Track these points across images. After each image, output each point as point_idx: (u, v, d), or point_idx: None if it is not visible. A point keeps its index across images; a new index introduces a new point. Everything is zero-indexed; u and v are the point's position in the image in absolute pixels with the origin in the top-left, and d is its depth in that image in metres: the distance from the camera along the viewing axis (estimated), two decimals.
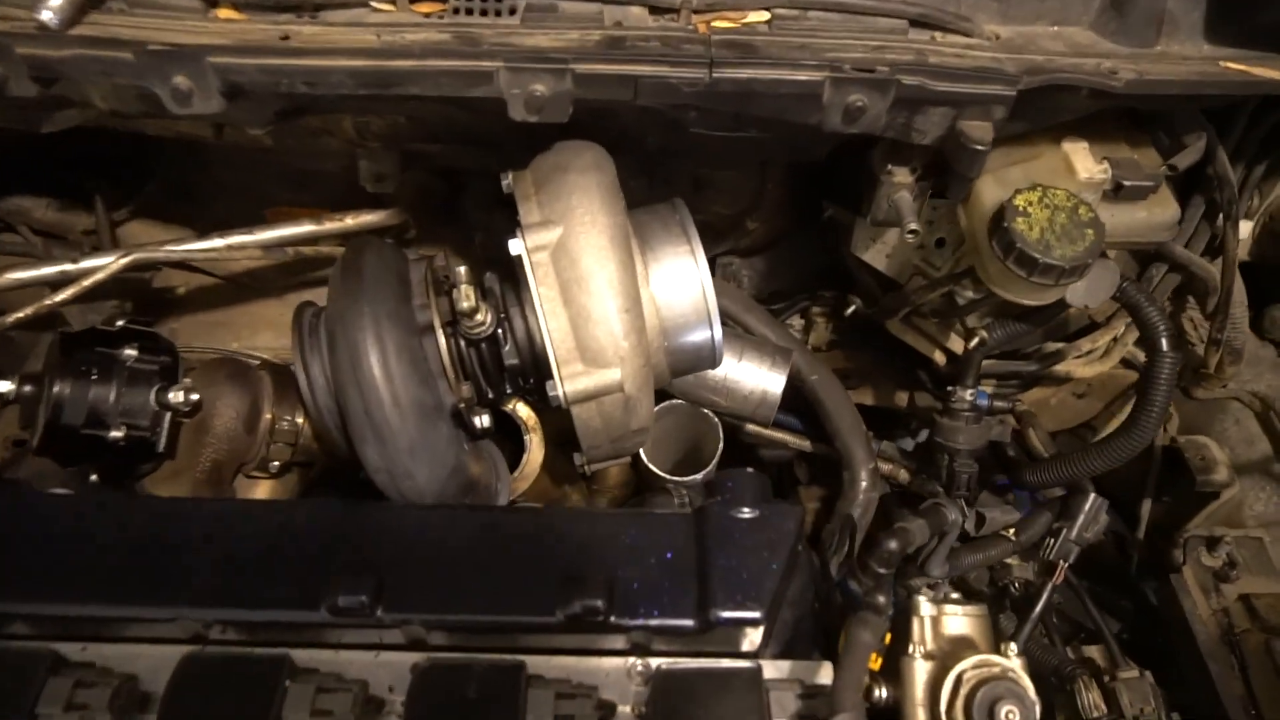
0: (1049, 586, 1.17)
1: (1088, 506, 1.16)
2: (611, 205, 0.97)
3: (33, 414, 1.03)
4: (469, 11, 0.96)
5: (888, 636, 0.86)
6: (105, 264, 1.19)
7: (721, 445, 1.36)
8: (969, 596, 1.37)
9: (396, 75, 0.89)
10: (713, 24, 0.95)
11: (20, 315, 1.13)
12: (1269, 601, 1.26)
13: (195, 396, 1.05)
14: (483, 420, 1.06)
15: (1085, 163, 1.04)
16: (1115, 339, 1.48)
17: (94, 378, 1.02)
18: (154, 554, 0.90)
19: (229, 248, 1.30)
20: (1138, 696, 1.09)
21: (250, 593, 0.87)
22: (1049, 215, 0.95)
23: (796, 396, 1.43)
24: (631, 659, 0.84)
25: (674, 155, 1.27)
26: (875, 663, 0.83)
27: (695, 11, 0.96)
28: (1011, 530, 1.17)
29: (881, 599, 0.81)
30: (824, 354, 1.62)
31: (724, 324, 1.43)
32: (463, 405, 1.03)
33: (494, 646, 0.85)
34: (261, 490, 1.21)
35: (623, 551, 0.86)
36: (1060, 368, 1.50)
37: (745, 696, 0.79)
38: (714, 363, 1.10)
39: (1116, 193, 1.03)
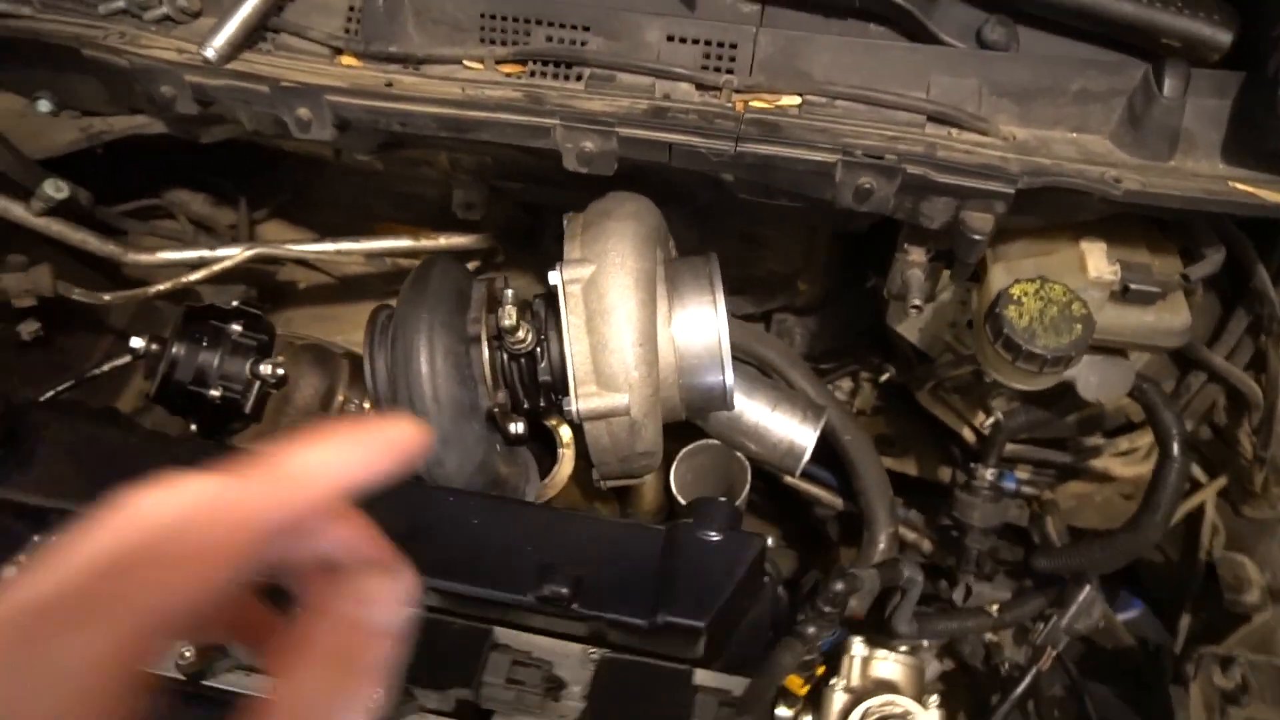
0: (1033, 670, 1.19)
1: (1081, 598, 1.17)
2: (641, 251, 1.09)
3: (155, 368, 1.25)
4: (543, 75, 1.13)
5: (821, 669, 0.93)
6: (234, 254, 1.41)
7: (749, 486, 1.45)
8: (964, 672, 1.40)
9: (471, 123, 1.06)
10: (750, 103, 1.07)
11: (161, 288, 1.37)
12: None
13: (282, 371, 1.24)
14: (517, 427, 1.21)
15: (1098, 262, 1.09)
16: None
17: (204, 345, 1.23)
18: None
19: (339, 252, 1.50)
20: None
21: None
22: (1041, 306, 1.01)
23: (835, 454, 1.50)
24: (589, 647, 0.95)
25: (724, 212, 1.38)
26: (802, 690, 0.91)
27: (736, 91, 1.08)
28: (996, 606, 1.20)
29: (811, 630, 0.89)
30: (867, 419, 1.68)
31: (766, 375, 1.53)
32: (496, 410, 1.18)
33: (473, 614, 0.97)
34: None
35: (596, 552, 0.97)
36: (1097, 463, 1.51)
37: (674, 694, 0.88)
38: (725, 405, 1.20)
39: (1124, 294, 1.07)
